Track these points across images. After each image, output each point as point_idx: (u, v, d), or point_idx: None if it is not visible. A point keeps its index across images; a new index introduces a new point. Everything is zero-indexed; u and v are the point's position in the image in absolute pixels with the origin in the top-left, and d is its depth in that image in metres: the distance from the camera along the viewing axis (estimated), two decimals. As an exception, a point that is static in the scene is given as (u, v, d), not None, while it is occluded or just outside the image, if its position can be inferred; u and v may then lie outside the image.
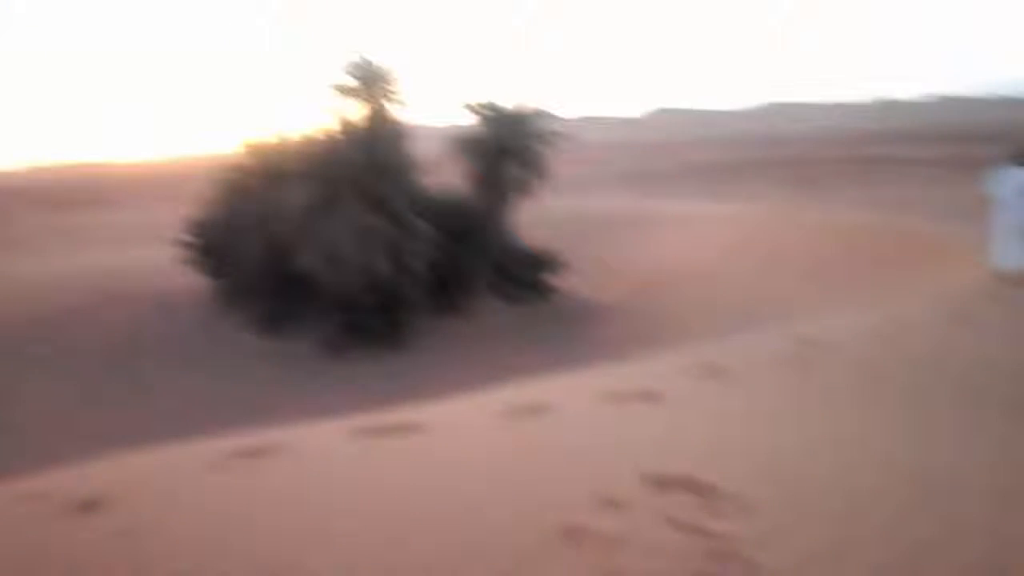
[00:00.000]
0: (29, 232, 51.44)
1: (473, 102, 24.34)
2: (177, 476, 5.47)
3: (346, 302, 19.03)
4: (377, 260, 18.90)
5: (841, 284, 18.66)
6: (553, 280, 23.16)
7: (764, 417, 6.05)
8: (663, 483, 4.42)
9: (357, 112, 22.79)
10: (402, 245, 19.53)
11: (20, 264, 31.26)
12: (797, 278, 20.46)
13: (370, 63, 22.83)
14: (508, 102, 24.31)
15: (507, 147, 23.36)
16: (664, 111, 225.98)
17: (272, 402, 16.49)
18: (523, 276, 22.58)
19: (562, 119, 26.75)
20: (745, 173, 57.53)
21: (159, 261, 23.10)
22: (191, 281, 21.80)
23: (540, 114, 24.40)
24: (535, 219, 24.85)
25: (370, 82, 22.78)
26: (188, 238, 21.27)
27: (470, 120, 24.41)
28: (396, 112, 23.31)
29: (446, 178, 23.46)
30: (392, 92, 23.14)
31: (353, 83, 22.92)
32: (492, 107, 24.18)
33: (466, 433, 6.02)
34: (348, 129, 21.73)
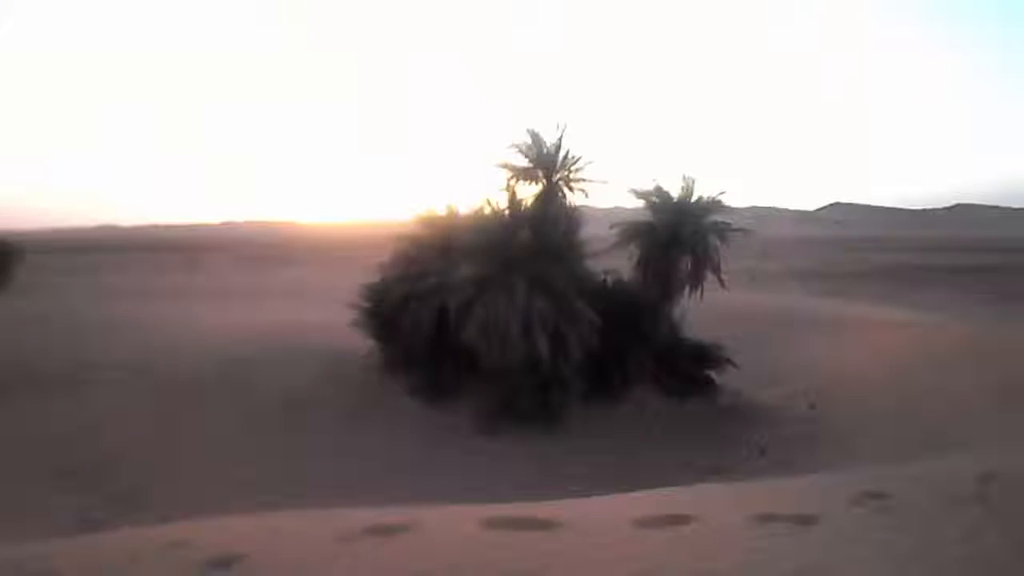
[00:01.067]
0: (217, 284, 55.91)
1: (641, 187, 24.16)
2: (310, 543, 5.42)
3: (504, 380, 18.99)
4: (538, 340, 18.79)
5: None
6: (715, 376, 22.13)
7: (939, 565, 5.14)
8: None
9: (528, 190, 23.21)
10: (564, 327, 19.35)
11: (206, 313, 33.81)
12: (986, 401, 18.37)
13: (543, 143, 23.25)
14: (677, 188, 23.96)
15: (678, 236, 22.90)
16: (839, 205, 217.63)
17: (421, 469, 16.55)
18: (684, 369, 21.74)
19: (733, 208, 25.99)
20: (931, 279, 53.81)
21: (332, 320, 24.14)
22: (360, 343, 22.56)
23: (712, 204, 23.83)
24: (703, 311, 24.01)
25: (542, 163, 23.18)
26: (361, 302, 22.12)
27: (637, 204, 24.23)
28: (567, 194, 23.54)
29: (614, 263, 23.23)
30: (565, 175, 23.42)
31: (524, 162, 23.42)
32: (661, 193, 23.88)
33: (600, 538, 5.67)
34: (517, 207, 22.09)
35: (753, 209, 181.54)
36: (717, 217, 23.88)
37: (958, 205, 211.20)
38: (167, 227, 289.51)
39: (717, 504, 6.51)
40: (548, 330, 19.04)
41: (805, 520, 5.90)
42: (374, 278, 22.48)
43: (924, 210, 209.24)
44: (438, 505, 6.55)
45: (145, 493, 14.83)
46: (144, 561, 4.94)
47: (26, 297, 46.65)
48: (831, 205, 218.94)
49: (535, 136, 23.46)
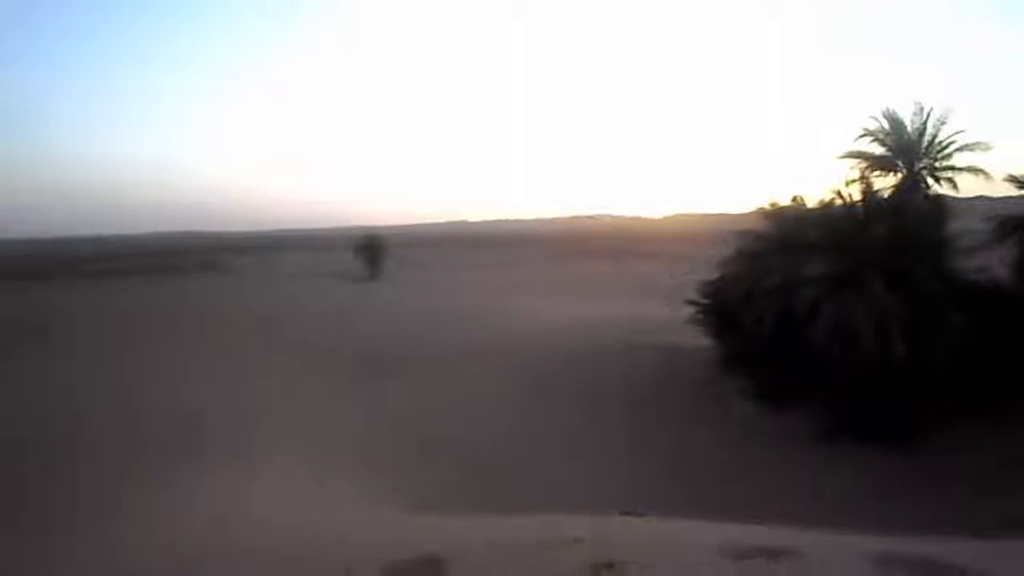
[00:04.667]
0: (561, 277, 59.06)
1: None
2: (694, 555, 5.39)
3: (852, 387, 17.68)
4: (894, 345, 17.20)
5: None
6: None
7: None
8: None
9: (884, 181, 21.32)
10: (924, 331, 17.47)
11: (552, 306, 36.03)
12: None
13: (904, 128, 21.15)
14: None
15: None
16: None
17: (755, 477, 16.01)
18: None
19: None
20: None
21: (671, 316, 24.37)
22: (697, 341, 22.54)
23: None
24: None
25: (902, 150, 21.13)
26: (700, 299, 22.05)
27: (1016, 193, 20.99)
28: (931, 184, 21.22)
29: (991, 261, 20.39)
30: (930, 163, 21.14)
31: (880, 150, 21.49)
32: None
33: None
34: (872, 199, 20.38)
35: None
36: None
37: None
38: (516, 221, 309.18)
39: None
40: (906, 334, 17.33)
41: None
42: (713, 274, 22.26)
43: None
44: (810, 529, 6.26)
45: (506, 480, 16.03)
46: (549, 552, 5.34)
47: (394, 287, 53.50)
48: None
49: (894, 120, 21.45)
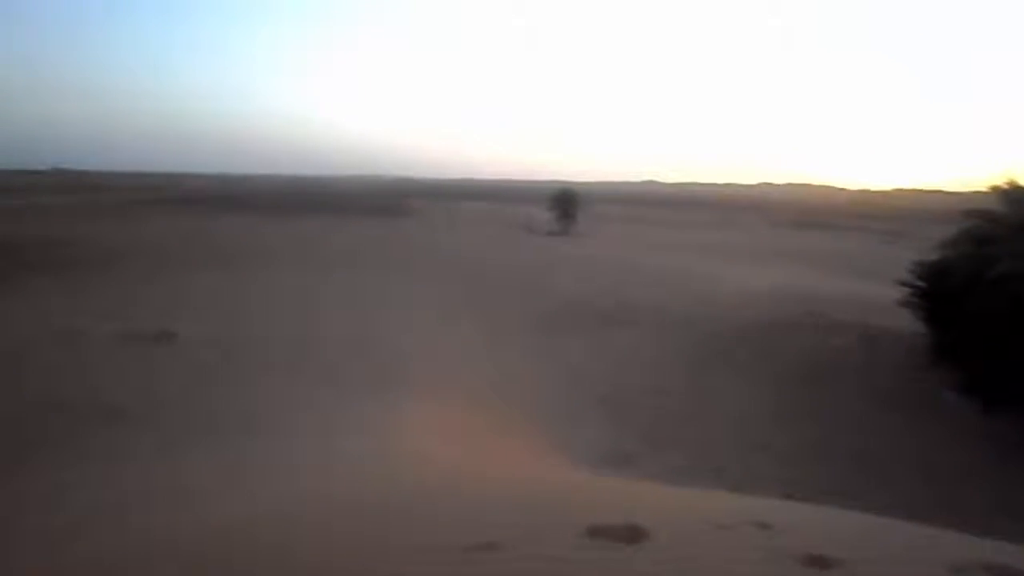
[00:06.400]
0: (748, 244, 56.61)
1: None
2: (920, 567, 4.73)
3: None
4: None
5: None
6: None
7: None
8: None
9: None
10: None
11: (735, 272, 34.46)
12: None
13: None
14: None
15: None
16: None
17: (964, 487, 14.30)
18: None
19: None
20: None
21: (870, 295, 22.47)
22: (898, 324, 20.63)
23: None
24: None
25: None
26: (913, 280, 20.07)
27: None
28: None
29: None
30: None
31: None
32: None
33: None
34: None
35: None
36: None
37: None
38: (703, 185, 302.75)
39: None
40: None
41: None
42: (932, 254, 20.13)
43: None
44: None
45: (674, 441, 15.50)
46: (730, 535, 4.87)
47: (593, 242, 53.42)
48: None
49: None
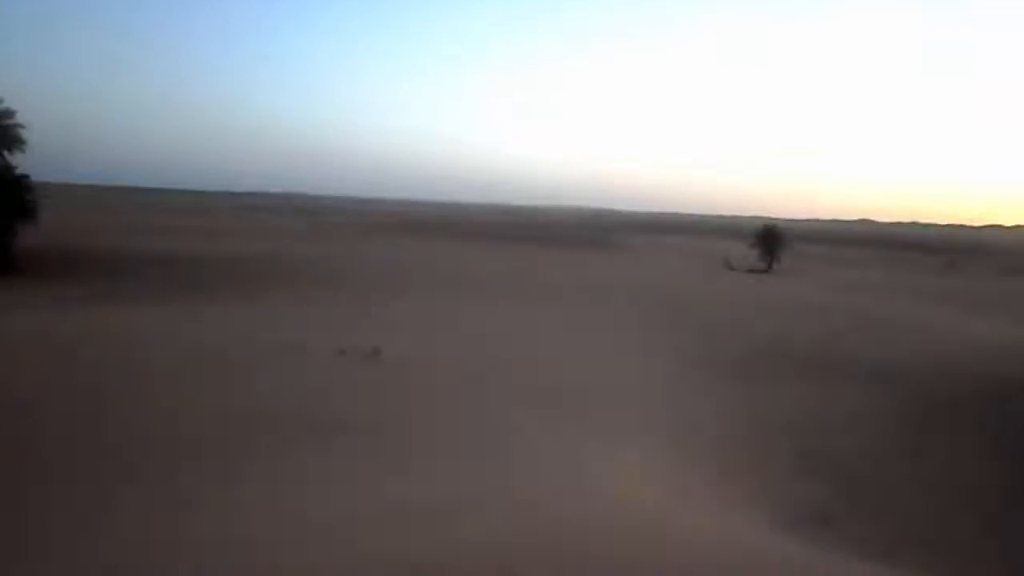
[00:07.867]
0: (986, 293, 51.41)
1: None
2: None
3: None
4: None
5: None
6: None
7: None
8: None
9: None
10: None
11: (964, 323, 31.45)
12: None
13: None
14: None
15: None
16: None
17: None
18: None
19: None
20: None
21: None
22: None
23: None
24: None
25: None
26: None
27: None
28: None
29: None
30: None
31: None
32: None
33: None
34: None
35: None
36: None
37: None
38: (925, 224, 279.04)
39: None
40: None
41: None
42: None
43: None
44: None
45: (881, 507, 14.23)
46: None
47: (785, 280, 51.03)
48: None
49: None
